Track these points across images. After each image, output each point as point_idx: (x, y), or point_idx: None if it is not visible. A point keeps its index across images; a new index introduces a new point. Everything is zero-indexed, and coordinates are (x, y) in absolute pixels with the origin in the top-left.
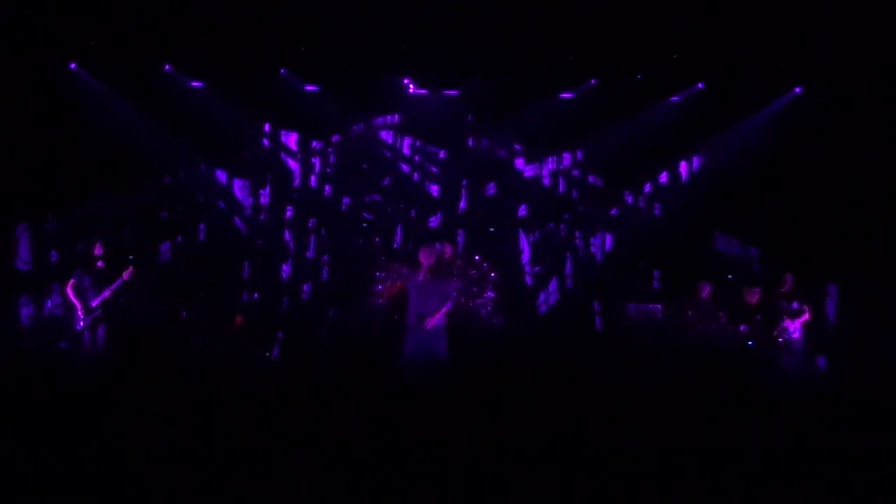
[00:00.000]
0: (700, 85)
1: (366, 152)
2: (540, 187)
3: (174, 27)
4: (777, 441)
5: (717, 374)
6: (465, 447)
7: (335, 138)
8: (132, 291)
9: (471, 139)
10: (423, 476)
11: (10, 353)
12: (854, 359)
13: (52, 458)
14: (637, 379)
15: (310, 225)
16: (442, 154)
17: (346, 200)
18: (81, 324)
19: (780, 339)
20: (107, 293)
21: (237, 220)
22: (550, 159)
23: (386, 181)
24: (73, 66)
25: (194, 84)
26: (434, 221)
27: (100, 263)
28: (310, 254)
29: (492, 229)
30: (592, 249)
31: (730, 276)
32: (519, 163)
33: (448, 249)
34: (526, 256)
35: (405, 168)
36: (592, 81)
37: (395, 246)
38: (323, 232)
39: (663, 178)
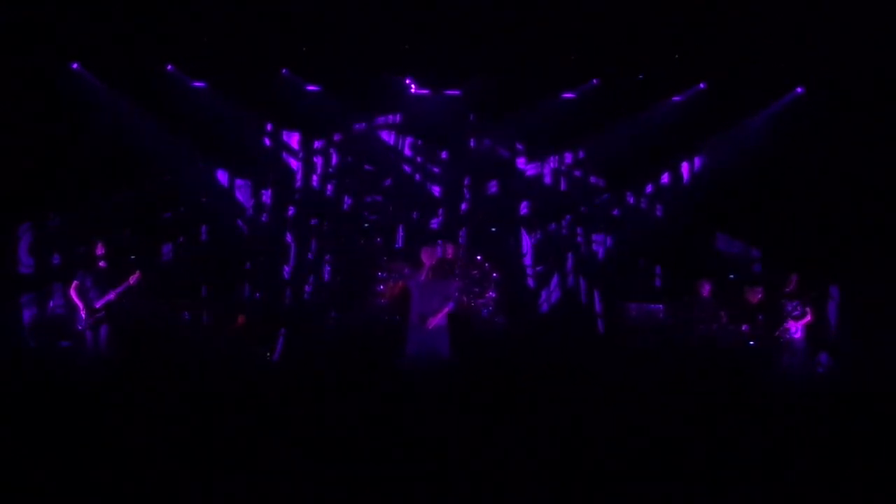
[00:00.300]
0: (702, 85)
1: (367, 152)
2: (542, 186)
3: (176, 27)
4: (777, 441)
5: (718, 373)
6: (466, 447)
7: (337, 138)
8: (136, 293)
9: (472, 139)
10: (424, 476)
11: (12, 353)
12: (854, 359)
13: (53, 457)
14: (638, 379)
15: (312, 224)
16: (444, 154)
17: (347, 200)
18: (83, 325)
19: (781, 339)
20: (111, 295)
21: (239, 221)
22: (552, 158)
23: (387, 181)
24: (74, 66)
25: (196, 84)
26: (436, 221)
27: (102, 263)
28: (311, 254)
29: (493, 229)
30: (595, 247)
31: (731, 276)
32: (520, 162)
33: (450, 249)
34: (528, 256)
35: (407, 168)
36: (594, 81)
37: (397, 246)
38: (325, 227)
39: (665, 178)
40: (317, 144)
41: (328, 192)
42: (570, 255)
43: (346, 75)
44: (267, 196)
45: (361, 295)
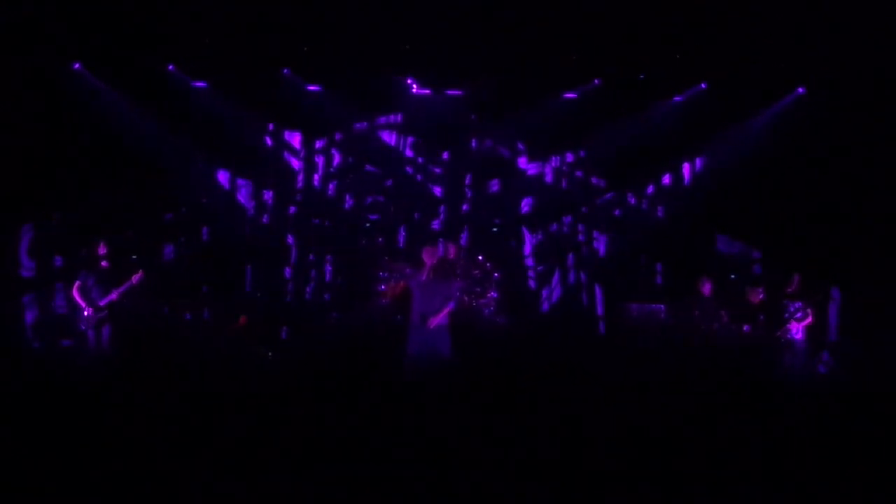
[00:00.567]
0: (702, 85)
1: (369, 152)
2: (543, 186)
3: (176, 27)
4: (777, 441)
5: (719, 373)
6: (466, 447)
7: (338, 138)
8: (138, 293)
9: (474, 139)
10: (424, 476)
11: (14, 352)
12: (855, 360)
13: (54, 457)
14: (639, 379)
15: (313, 224)
16: (445, 154)
17: (349, 200)
18: (86, 324)
19: (782, 339)
20: (114, 295)
21: (240, 221)
22: (554, 158)
23: (389, 181)
24: (75, 66)
25: (197, 84)
26: (437, 221)
27: (104, 263)
28: (313, 254)
29: (495, 229)
30: (596, 245)
31: (732, 277)
32: (522, 162)
33: (451, 249)
34: (529, 256)
35: (408, 168)
36: (596, 81)
37: (398, 246)
38: (327, 227)
39: (666, 178)
40: (318, 144)
41: (330, 192)
42: (570, 255)
43: (347, 75)
44: (268, 196)
45: (363, 295)
